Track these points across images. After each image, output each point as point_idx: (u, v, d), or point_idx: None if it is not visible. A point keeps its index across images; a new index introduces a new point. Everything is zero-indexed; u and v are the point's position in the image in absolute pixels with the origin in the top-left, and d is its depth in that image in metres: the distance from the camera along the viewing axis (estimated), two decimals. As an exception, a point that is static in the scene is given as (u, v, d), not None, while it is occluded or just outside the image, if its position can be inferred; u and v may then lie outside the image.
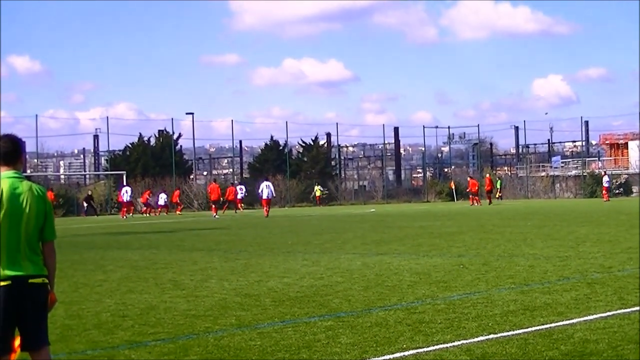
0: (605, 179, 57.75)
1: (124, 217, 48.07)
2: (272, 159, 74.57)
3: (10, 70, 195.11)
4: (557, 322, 8.19)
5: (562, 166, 78.26)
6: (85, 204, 56.48)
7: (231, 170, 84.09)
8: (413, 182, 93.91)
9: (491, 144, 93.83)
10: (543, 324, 8.08)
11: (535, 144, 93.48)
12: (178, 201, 55.12)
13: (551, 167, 77.94)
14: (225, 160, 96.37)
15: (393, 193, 74.80)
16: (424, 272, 13.01)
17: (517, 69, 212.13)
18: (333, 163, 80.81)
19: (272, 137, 76.89)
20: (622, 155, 77.89)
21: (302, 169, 74.32)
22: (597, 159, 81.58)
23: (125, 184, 52.48)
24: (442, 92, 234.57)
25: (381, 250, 17.39)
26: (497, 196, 57.47)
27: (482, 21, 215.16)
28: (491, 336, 7.61)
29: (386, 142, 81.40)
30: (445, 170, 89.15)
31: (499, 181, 62.61)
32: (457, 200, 64.53)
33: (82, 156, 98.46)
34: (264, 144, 77.78)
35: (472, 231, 22.92)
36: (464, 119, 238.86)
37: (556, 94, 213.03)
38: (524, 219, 29.68)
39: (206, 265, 15.41)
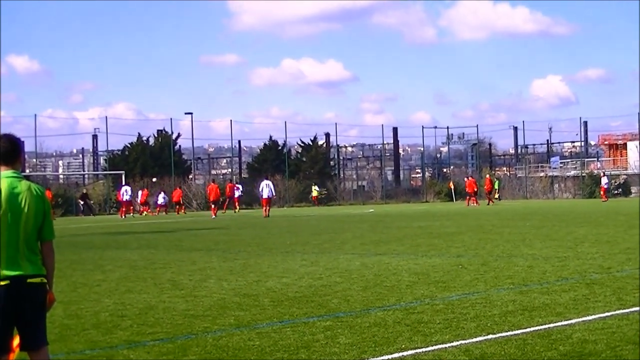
0: (604, 180, 57.79)
1: (123, 216, 48.04)
2: (271, 159, 74.51)
3: (10, 69, 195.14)
4: (555, 322, 8.19)
5: (560, 167, 78.29)
6: (81, 202, 56.42)
7: (230, 170, 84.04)
8: (412, 182, 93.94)
9: (490, 145, 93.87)
10: (542, 325, 8.08)
11: (534, 145, 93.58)
12: (180, 201, 54.99)
13: (550, 167, 77.94)
14: (224, 160, 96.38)
15: (392, 193, 74.76)
16: (422, 272, 13.01)
17: (516, 70, 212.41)
18: (332, 163, 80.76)
19: (271, 137, 76.91)
20: (621, 156, 77.95)
21: (301, 169, 74.27)
22: (596, 159, 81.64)
23: (125, 183, 52.43)
24: (441, 93, 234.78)
25: (380, 251, 17.39)
26: (495, 196, 57.46)
27: (481, 21, 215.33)
28: (490, 336, 7.61)
29: (385, 142, 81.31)
30: (444, 170, 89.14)
31: (497, 181, 62.61)
32: (456, 200, 64.53)
33: (81, 156, 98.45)
34: (262, 144, 77.75)
35: (471, 231, 22.92)
36: (463, 119, 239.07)
37: (555, 94, 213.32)
38: (523, 219, 29.68)
39: (205, 265, 15.41)
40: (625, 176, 70.49)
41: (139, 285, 12.48)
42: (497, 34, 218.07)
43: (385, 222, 31.42)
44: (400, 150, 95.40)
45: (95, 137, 77.32)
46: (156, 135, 72.40)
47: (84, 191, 58.48)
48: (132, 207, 50.10)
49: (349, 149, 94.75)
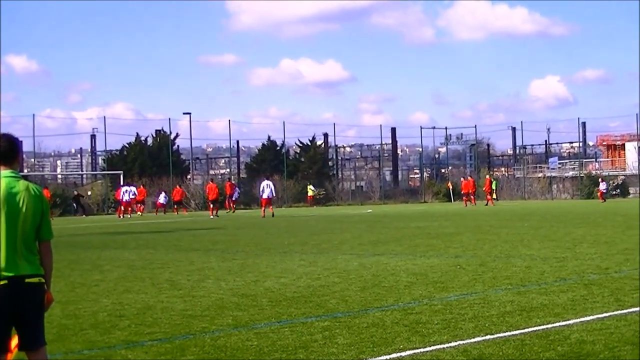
0: (603, 185, 57.97)
1: (121, 216, 48.00)
2: (269, 159, 74.51)
3: (8, 69, 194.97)
4: (553, 323, 8.20)
5: (559, 167, 78.34)
6: (74, 204, 56.31)
7: (228, 170, 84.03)
8: (410, 182, 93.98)
9: (488, 145, 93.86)
10: (540, 325, 8.09)
11: (532, 145, 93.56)
12: (182, 200, 54.83)
13: (548, 168, 78.00)
14: (223, 161, 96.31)
15: (390, 194, 74.78)
16: (420, 272, 13.01)
17: (515, 70, 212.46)
18: (330, 163, 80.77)
19: (269, 137, 76.90)
20: (619, 157, 77.99)
21: (300, 169, 74.27)
22: (594, 160, 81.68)
23: (125, 183, 52.40)
24: (439, 93, 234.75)
25: (378, 251, 17.39)
26: (493, 197, 57.45)
27: (479, 22, 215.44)
28: (488, 337, 7.61)
29: (383, 142, 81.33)
30: (443, 171, 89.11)
31: (494, 182, 62.61)
32: (454, 201, 64.53)
33: (79, 156, 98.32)
34: (261, 144, 77.73)
35: (469, 232, 22.93)
36: (461, 119, 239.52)
37: (554, 95, 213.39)
38: (521, 220, 29.70)
39: (203, 265, 15.40)
40: (623, 177, 70.50)
41: (137, 285, 12.47)
42: (496, 34, 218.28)
43: (384, 222, 31.42)
44: (399, 151, 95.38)
45: (93, 137, 77.32)
46: (154, 135, 72.35)
47: (75, 192, 58.26)
48: (130, 208, 50.01)
49: (347, 149, 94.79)
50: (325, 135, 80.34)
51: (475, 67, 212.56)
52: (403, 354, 7.08)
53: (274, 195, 43.79)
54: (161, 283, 12.68)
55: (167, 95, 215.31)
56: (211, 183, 47.69)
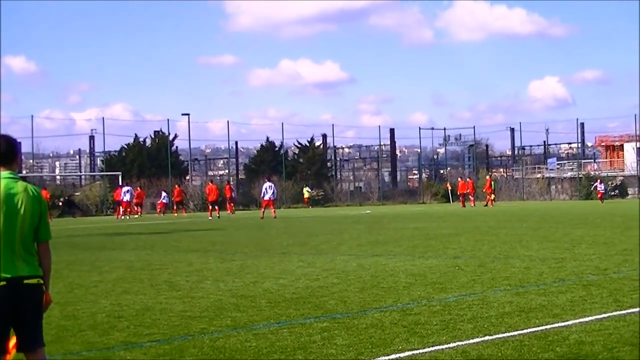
0: (601, 187, 58.10)
1: (122, 217, 47.95)
2: (268, 160, 74.52)
3: (7, 70, 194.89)
4: (552, 324, 8.19)
5: (557, 168, 78.36)
6: (66, 206, 56.01)
7: (227, 171, 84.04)
8: (409, 183, 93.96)
9: (487, 146, 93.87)
10: (538, 326, 8.08)
11: (531, 146, 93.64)
12: (182, 200, 54.70)
13: (547, 168, 78.03)
14: (221, 162, 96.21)
15: (389, 194, 74.79)
16: (419, 273, 13.01)
17: (513, 71, 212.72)
18: (329, 164, 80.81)
19: (267, 138, 76.93)
20: (618, 157, 78.01)
21: (298, 170, 74.27)
22: (592, 160, 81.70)
23: (125, 184, 52.39)
24: (438, 94, 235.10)
25: (377, 252, 17.38)
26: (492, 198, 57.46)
27: (478, 23, 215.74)
28: (487, 338, 7.61)
29: (382, 143, 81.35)
30: (441, 171, 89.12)
31: (494, 183, 62.61)
32: (453, 201, 64.54)
33: (77, 157, 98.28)
34: (259, 145, 77.75)
35: (467, 233, 22.93)
36: (460, 120, 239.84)
37: (552, 95, 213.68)
38: (520, 220, 29.71)
39: (202, 266, 15.40)
40: (622, 178, 70.54)
41: (135, 287, 12.46)
42: (494, 35, 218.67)
43: (382, 223, 31.42)
44: (397, 152, 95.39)
45: (92, 138, 77.30)
46: (153, 136, 72.34)
47: (66, 197, 57.86)
48: (129, 209, 49.96)
49: (346, 150, 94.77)
50: (324, 136, 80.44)
51: (474, 68, 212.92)
52: (402, 354, 7.08)
53: (274, 197, 43.57)
54: (160, 284, 12.67)
55: (165, 96, 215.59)
56: (211, 184, 47.61)
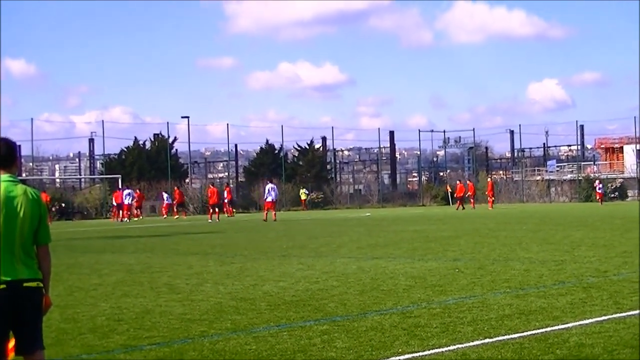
0: (599, 187, 58.10)
1: (122, 220, 47.94)
2: (268, 162, 74.54)
3: (6, 73, 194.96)
4: (552, 326, 8.19)
5: (557, 170, 78.35)
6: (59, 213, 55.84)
7: (227, 174, 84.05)
8: (408, 186, 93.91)
9: (487, 148, 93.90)
10: (539, 328, 8.08)
11: (530, 148, 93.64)
12: (183, 202, 54.59)
13: (546, 171, 78.02)
14: (221, 164, 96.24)
15: (388, 197, 74.79)
16: (419, 276, 13.01)
17: (513, 73, 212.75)
18: (328, 167, 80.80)
19: (267, 140, 76.95)
20: (618, 160, 78.00)
21: (298, 172, 74.28)
22: (592, 163, 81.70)
23: (126, 186, 52.39)
24: (437, 96, 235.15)
25: (376, 254, 17.38)
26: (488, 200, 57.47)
27: (477, 25, 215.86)
28: (487, 340, 7.61)
29: (381, 145, 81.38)
30: (441, 174, 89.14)
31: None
32: (452, 204, 64.53)
33: (77, 160, 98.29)
34: (259, 147, 77.80)
35: (467, 235, 22.92)
36: (460, 122, 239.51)
37: (551, 97, 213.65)
38: (520, 222, 29.69)
39: (201, 269, 15.39)
40: (621, 180, 70.53)
41: (135, 289, 12.46)
42: (494, 37, 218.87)
43: (382, 225, 31.42)
44: (397, 154, 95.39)
45: (91, 140, 77.32)
46: (153, 139, 72.37)
47: (59, 204, 57.55)
48: (129, 212, 49.95)
49: (346, 152, 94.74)
50: (324, 139, 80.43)
51: (473, 70, 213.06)
52: (402, 357, 7.08)
53: (277, 198, 43.44)
54: (160, 287, 12.67)
55: (165, 99, 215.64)
56: (212, 187, 47.55)
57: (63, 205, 57.58)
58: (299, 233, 27.63)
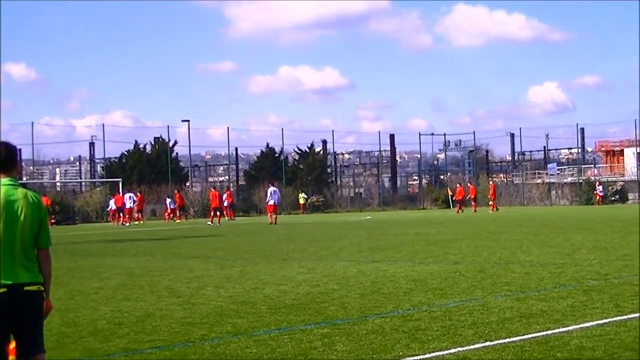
0: (599, 188, 58.04)
1: (123, 224, 47.93)
2: (268, 166, 74.58)
3: (7, 77, 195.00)
4: (553, 329, 8.19)
5: (558, 173, 78.34)
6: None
7: (227, 177, 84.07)
8: (409, 189, 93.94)
9: (487, 151, 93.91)
10: (539, 332, 8.08)
11: (531, 151, 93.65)
12: (184, 205, 54.51)
13: (547, 174, 77.99)
14: (221, 168, 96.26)
15: (389, 200, 74.80)
16: (420, 279, 13.00)
17: (513, 76, 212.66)
18: (329, 170, 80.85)
19: (267, 144, 77.03)
20: (618, 163, 78.01)
21: (298, 176, 74.33)
22: (592, 166, 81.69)
23: (127, 190, 52.37)
24: (437, 100, 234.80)
25: (377, 258, 17.38)
26: (488, 203, 57.44)
27: (477, 28, 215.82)
28: (487, 343, 7.60)
29: (382, 149, 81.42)
30: (441, 177, 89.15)
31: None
32: (453, 207, 64.52)
33: (78, 163, 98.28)
34: (259, 151, 77.88)
35: (468, 238, 22.91)
36: (460, 126, 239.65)
37: (552, 101, 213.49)
38: (520, 226, 29.69)
39: (202, 272, 15.39)
40: (622, 183, 70.53)
41: (136, 293, 12.46)
42: (494, 40, 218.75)
43: (382, 229, 31.42)
44: (397, 157, 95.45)
45: (92, 144, 77.27)
46: (153, 143, 72.42)
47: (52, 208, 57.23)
48: (128, 215, 49.95)
49: (346, 156, 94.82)
50: (324, 142, 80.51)
51: (473, 74, 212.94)
52: (403, 360, 7.07)
53: (279, 201, 43.43)
54: (160, 290, 12.67)
55: (165, 103, 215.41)
56: (214, 190, 47.52)
57: (57, 216, 57.11)
58: (300, 236, 27.63)
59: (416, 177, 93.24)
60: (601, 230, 24.60)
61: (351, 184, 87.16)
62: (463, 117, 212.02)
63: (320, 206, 68.10)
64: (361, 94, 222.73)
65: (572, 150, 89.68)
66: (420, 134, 79.90)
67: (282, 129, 74.44)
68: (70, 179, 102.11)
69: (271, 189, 41.75)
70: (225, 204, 48.42)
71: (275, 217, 40.65)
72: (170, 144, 69.84)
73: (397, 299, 10.81)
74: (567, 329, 8.19)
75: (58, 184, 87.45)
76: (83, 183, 78.95)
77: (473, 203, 52.96)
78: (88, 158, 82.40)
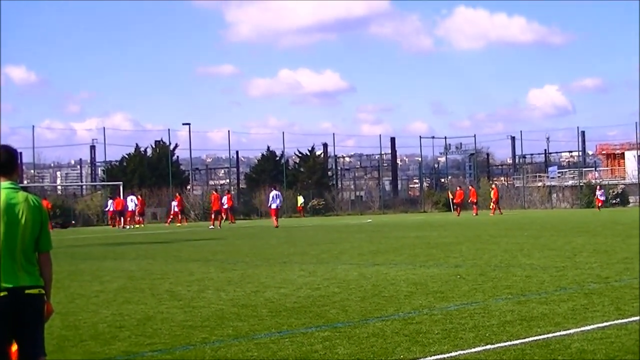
0: (599, 192, 58.07)
1: (125, 227, 47.92)
2: (269, 169, 74.59)
3: (7, 80, 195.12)
4: (554, 332, 8.18)
5: (558, 176, 78.33)
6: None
7: (228, 180, 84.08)
8: (410, 192, 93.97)
9: (488, 154, 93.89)
10: (540, 335, 8.07)
11: (531, 154, 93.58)
12: (183, 209, 54.50)
13: (548, 177, 77.99)
14: (222, 171, 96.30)
15: (390, 203, 74.79)
16: (420, 282, 13.00)
17: (513, 79, 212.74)
18: (330, 173, 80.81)
19: (268, 147, 77.03)
20: (619, 165, 78.01)
21: (299, 179, 74.34)
22: (593, 169, 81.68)
23: (131, 192, 52.35)
24: (437, 103, 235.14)
25: (378, 261, 17.37)
26: (489, 206, 57.39)
27: (477, 31, 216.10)
28: (488, 347, 7.60)
29: (383, 152, 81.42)
30: (442, 180, 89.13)
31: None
32: (453, 210, 64.49)
33: (78, 167, 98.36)
34: (260, 154, 77.89)
35: (468, 241, 22.91)
36: (460, 129, 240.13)
37: (552, 104, 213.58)
38: (521, 229, 29.68)
39: (203, 275, 15.39)
40: (623, 186, 70.52)
41: (136, 296, 12.46)
42: (494, 43, 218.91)
43: (383, 232, 31.41)
44: (398, 161, 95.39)
45: (93, 147, 77.32)
46: (154, 146, 72.44)
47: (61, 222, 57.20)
48: (129, 218, 49.94)
49: (347, 159, 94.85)
50: (325, 145, 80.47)
51: (473, 76, 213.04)
52: (403, 364, 7.07)
53: (281, 204, 43.44)
54: (161, 294, 12.67)
55: (166, 106, 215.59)
56: (215, 193, 47.52)
57: (59, 219, 57.06)
58: (300, 240, 27.62)
59: (417, 180, 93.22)
60: (602, 234, 24.59)
61: (352, 187, 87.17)
62: (463, 120, 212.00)
63: (321, 209, 68.10)
64: (361, 97, 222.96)
65: (573, 154, 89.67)
66: (420, 137, 79.93)
67: (283, 132, 74.61)
68: (71, 182, 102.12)
69: (273, 192, 41.75)
70: (225, 207, 48.41)
71: (277, 220, 40.65)
72: (171, 147, 69.86)
73: (398, 302, 10.81)
74: (568, 332, 8.19)
75: (59, 187, 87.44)
76: (84, 186, 78.95)
77: (474, 206, 52.92)
78: (89, 161, 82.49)
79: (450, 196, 66.04)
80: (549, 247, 19.52)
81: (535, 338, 7.91)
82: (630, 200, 68.06)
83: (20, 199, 5.29)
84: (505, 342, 7.79)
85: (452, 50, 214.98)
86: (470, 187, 57.12)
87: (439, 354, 7.35)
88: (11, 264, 5.15)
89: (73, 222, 55.25)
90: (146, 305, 11.43)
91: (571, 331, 8.21)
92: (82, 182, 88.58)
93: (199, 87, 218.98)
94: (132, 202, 49.57)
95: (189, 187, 70.48)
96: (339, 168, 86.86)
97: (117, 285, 14.11)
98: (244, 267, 17.06)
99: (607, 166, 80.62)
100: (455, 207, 54.70)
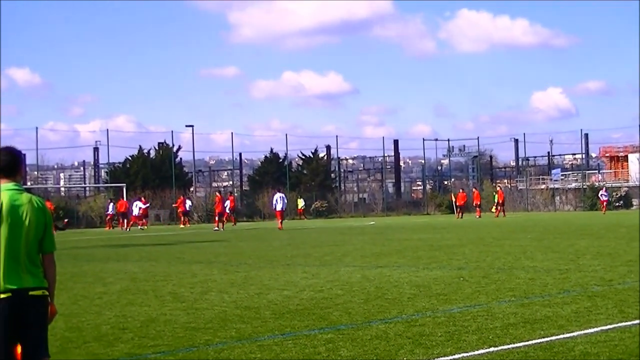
0: (602, 193, 58.08)
1: (128, 229, 47.94)
2: (272, 171, 74.56)
3: (10, 82, 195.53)
4: (557, 335, 8.18)
5: (562, 179, 78.24)
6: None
7: (231, 182, 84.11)
8: (413, 194, 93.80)
9: (491, 157, 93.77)
10: (544, 337, 8.07)
11: (535, 157, 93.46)
12: (186, 210, 54.46)
13: (551, 179, 77.89)
14: (225, 173, 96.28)
15: (393, 205, 74.75)
16: (424, 284, 12.99)
17: (516, 82, 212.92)
18: (333, 175, 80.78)
19: (271, 149, 76.97)
20: (622, 168, 77.89)
21: (302, 181, 74.32)
22: (597, 171, 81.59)
23: (138, 197, 52.37)
24: (441, 105, 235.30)
25: (381, 263, 17.37)
26: (491, 209, 57.37)
27: (480, 34, 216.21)
28: (492, 349, 7.59)
29: (386, 154, 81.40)
30: (445, 182, 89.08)
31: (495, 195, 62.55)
32: (457, 212, 64.47)
33: (82, 168, 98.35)
34: (263, 156, 77.84)
35: (471, 244, 22.89)
36: (463, 131, 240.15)
37: (555, 106, 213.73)
38: (524, 231, 29.66)
39: (206, 277, 15.39)
40: (626, 188, 70.44)
41: (140, 298, 12.46)
42: (497, 46, 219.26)
43: (386, 234, 31.40)
44: (401, 163, 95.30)
45: (96, 149, 77.32)
46: (157, 148, 72.41)
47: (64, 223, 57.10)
48: (129, 222, 49.93)
49: (350, 161, 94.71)
50: (328, 148, 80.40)
51: (477, 79, 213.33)
52: (407, 366, 7.07)
53: (285, 207, 43.47)
54: (164, 296, 12.67)
55: (169, 108, 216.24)
56: (219, 195, 47.50)
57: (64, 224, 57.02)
58: (304, 242, 27.62)
59: (420, 183, 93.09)
60: (605, 236, 24.57)
61: (355, 189, 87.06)
62: (466, 122, 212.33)
63: (324, 211, 68.08)
64: (365, 99, 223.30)
65: (576, 156, 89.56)
66: (424, 140, 79.94)
67: (286, 134, 74.24)
68: (74, 184, 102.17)
69: (278, 195, 41.81)
70: (227, 209, 48.39)
71: (280, 223, 40.67)
72: (174, 149, 69.85)
73: (401, 305, 10.80)
74: (571, 334, 8.18)
75: (62, 189, 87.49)
76: (87, 188, 78.97)
77: (478, 209, 52.88)
78: (92, 163, 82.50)
79: (453, 199, 66.06)
80: (552, 250, 19.51)
81: (538, 341, 7.91)
82: (634, 203, 67.98)
83: (24, 200, 5.30)
84: (508, 344, 7.78)
85: (455, 52, 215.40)
86: (473, 190, 57.09)
87: (442, 357, 7.35)
88: (15, 266, 5.16)
89: (66, 220, 54.93)
90: (149, 307, 11.43)
91: (575, 334, 8.21)
92: (85, 183, 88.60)
93: (202, 89, 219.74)
94: (136, 208, 49.58)
95: (192, 189, 70.50)
96: (342, 170, 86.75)
97: (120, 287, 14.12)
98: (247, 269, 17.06)
99: (611, 169, 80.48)
100: (457, 209, 54.64)
